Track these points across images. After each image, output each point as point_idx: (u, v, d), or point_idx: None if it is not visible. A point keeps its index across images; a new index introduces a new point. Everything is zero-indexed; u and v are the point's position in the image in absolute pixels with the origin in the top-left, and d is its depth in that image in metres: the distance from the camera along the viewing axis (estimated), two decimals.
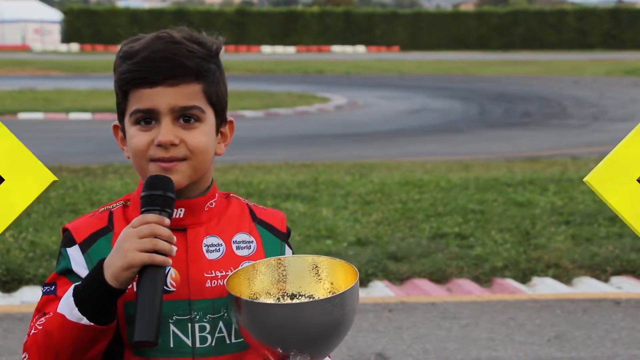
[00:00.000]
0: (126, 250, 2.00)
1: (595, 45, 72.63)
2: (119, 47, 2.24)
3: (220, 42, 2.23)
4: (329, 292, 2.13)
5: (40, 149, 16.46)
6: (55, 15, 77.64)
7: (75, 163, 13.29)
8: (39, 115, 22.17)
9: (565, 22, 74.04)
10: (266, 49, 67.52)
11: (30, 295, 7.02)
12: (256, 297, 2.13)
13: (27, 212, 8.99)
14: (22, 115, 22.08)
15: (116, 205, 2.23)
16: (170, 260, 2.04)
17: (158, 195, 2.05)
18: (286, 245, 2.29)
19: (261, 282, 2.14)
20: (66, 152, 15.66)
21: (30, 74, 38.42)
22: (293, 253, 2.30)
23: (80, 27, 71.84)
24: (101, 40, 69.73)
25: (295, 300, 2.13)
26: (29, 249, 7.78)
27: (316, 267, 2.15)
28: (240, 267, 2.15)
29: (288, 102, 26.14)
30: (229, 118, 2.28)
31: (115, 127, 2.27)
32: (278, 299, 2.14)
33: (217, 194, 2.24)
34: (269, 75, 39.26)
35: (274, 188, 10.45)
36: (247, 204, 2.30)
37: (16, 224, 8.62)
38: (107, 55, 58.57)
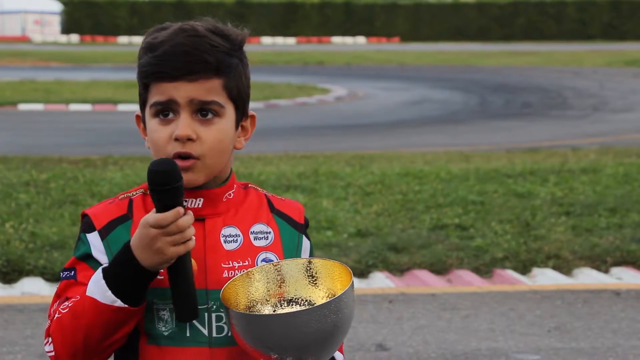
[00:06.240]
0: (160, 248, 2.02)
1: (596, 36, 72.55)
2: (144, 36, 2.23)
3: (245, 34, 2.22)
4: (326, 294, 2.12)
5: (40, 140, 16.57)
6: (55, 6, 77.68)
7: (75, 154, 13.28)
8: (39, 107, 22.17)
9: (565, 13, 73.94)
10: (266, 40, 67.44)
11: (30, 287, 7.02)
12: (253, 305, 2.12)
13: (27, 203, 9.03)
14: (22, 107, 22.08)
15: (136, 193, 2.23)
16: (194, 240, 2.07)
17: (165, 190, 2.04)
18: (304, 237, 2.28)
19: (257, 289, 2.14)
20: (66, 143, 15.66)
21: (30, 65, 38.41)
22: (311, 244, 2.30)
23: (80, 18, 71.77)
24: (101, 32, 69.67)
25: (293, 306, 2.12)
26: (29, 240, 7.78)
27: (311, 269, 2.14)
28: (235, 277, 2.14)
29: (288, 94, 26.14)
30: (251, 112, 2.27)
31: (137, 116, 2.26)
32: (275, 305, 2.13)
33: (235, 185, 2.25)
34: (269, 66, 39.23)
35: (274, 179, 10.45)
36: (265, 194, 2.30)
37: (16, 215, 8.62)
38: (107, 47, 58.53)
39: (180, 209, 2.03)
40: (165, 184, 2.03)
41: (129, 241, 2.06)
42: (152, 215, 2.04)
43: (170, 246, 2.03)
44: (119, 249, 2.08)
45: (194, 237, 2.06)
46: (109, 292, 2.04)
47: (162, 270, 2.12)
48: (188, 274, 2.08)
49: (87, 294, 2.06)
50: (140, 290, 2.06)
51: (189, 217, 2.04)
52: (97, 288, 2.05)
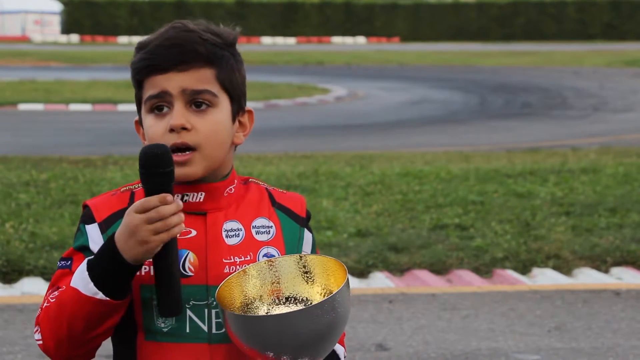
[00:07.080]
0: (142, 237, 2.00)
1: (596, 36, 72.54)
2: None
3: (237, 33, 2.23)
4: (322, 291, 2.11)
5: (40, 140, 16.59)
6: (55, 6, 77.70)
7: (75, 154, 13.28)
8: (39, 107, 22.16)
9: (565, 13, 73.93)
10: (266, 40, 67.44)
11: (30, 287, 7.02)
12: (250, 303, 2.11)
13: (27, 203, 9.03)
14: (22, 107, 22.08)
15: (138, 186, 2.22)
16: (183, 225, 2.04)
17: (155, 173, 2.02)
18: (305, 230, 2.27)
19: (254, 286, 2.13)
20: (66, 143, 15.66)
21: (30, 65, 38.40)
22: (313, 237, 2.29)
23: (80, 18, 71.76)
24: (101, 31, 69.66)
25: (290, 303, 2.12)
26: (29, 240, 7.78)
27: (306, 266, 2.13)
28: (230, 275, 2.13)
29: (288, 93, 26.13)
30: (248, 108, 2.27)
31: (136, 122, 2.26)
32: (272, 303, 2.12)
33: (236, 180, 2.24)
34: (269, 66, 39.23)
35: (274, 179, 10.45)
36: (267, 188, 2.30)
37: (16, 214, 8.62)
38: (107, 47, 58.52)
39: (166, 196, 2.01)
40: (155, 167, 2.02)
41: (114, 233, 2.04)
42: (138, 201, 2.03)
43: (152, 235, 2.00)
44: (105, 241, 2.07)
45: (182, 225, 2.03)
46: (91, 284, 2.03)
47: None
48: (171, 265, 2.04)
49: (71, 284, 2.06)
50: (122, 284, 2.04)
51: (174, 206, 2.01)
52: (81, 280, 2.04)
